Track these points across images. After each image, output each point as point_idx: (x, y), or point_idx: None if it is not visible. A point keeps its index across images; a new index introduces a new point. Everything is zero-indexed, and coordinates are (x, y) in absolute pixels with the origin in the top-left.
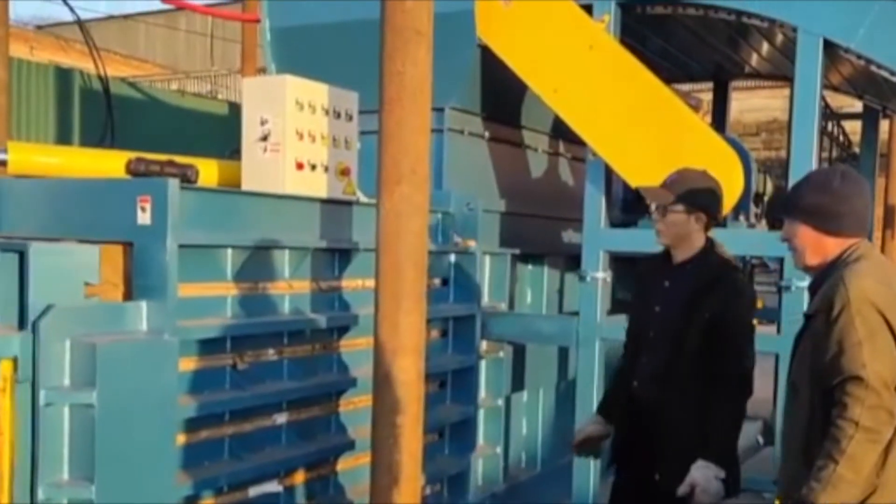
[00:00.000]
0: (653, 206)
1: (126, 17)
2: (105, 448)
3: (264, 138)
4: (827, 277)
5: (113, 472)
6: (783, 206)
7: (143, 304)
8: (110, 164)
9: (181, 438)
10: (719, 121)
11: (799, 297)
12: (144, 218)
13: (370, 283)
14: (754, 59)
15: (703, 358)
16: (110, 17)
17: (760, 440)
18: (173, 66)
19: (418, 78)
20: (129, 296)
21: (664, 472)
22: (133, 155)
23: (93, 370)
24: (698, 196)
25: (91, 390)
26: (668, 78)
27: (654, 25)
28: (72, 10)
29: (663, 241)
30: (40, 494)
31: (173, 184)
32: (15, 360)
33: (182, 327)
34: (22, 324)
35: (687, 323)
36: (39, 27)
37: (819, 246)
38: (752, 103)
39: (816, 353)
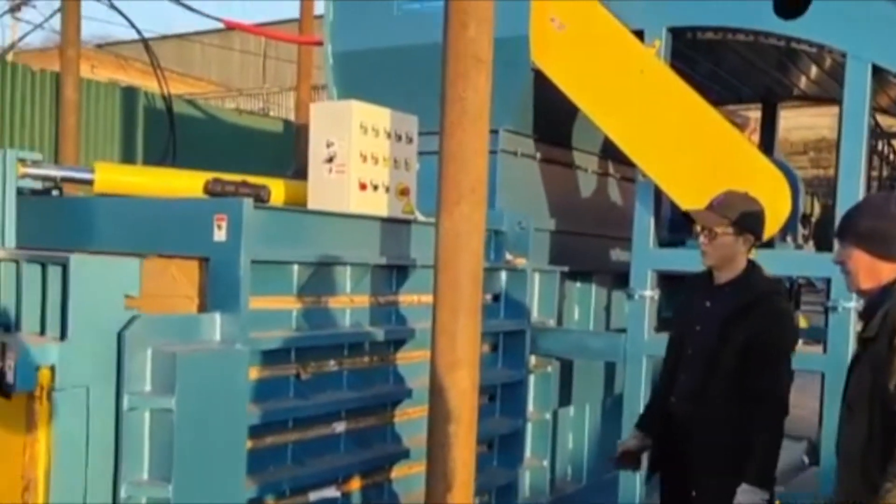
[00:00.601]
0: (698, 229)
1: (181, 36)
2: (182, 451)
3: (330, 160)
4: (882, 301)
5: (188, 474)
6: (838, 229)
7: (217, 316)
8: (189, 183)
9: (249, 443)
10: (768, 142)
11: (845, 317)
12: (220, 235)
13: (426, 298)
14: (803, 82)
15: (738, 378)
16: (166, 37)
17: (806, 460)
18: (227, 83)
19: (478, 103)
20: (203, 308)
21: (700, 489)
22: (210, 176)
23: (172, 377)
24: (747, 218)
25: (170, 396)
26: (717, 100)
27: (704, 50)
28: (138, 31)
29: (709, 263)
30: (122, 493)
31: (247, 203)
32: (53, 369)
33: (252, 338)
34: (63, 334)
35: (723, 343)
36: (100, 46)
37: (873, 270)
38: (799, 121)
39: (877, 375)
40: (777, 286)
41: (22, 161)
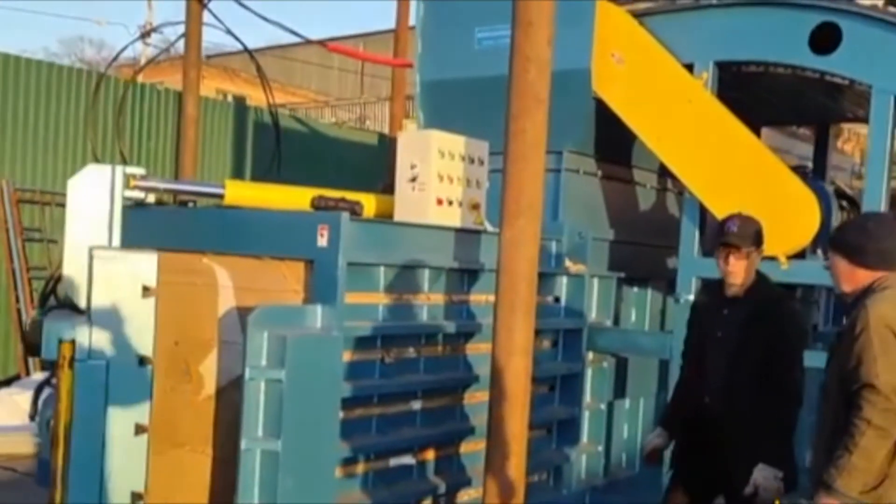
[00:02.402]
0: (726, 252)
1: (284, 47)
2: (289, 414)
3: (413, 179)
4: (858, 302)
5: (293, 433)
6: (828, 240)
7: (319, 308)
8: (299, 198)
9: (341, 414)
10: (820, 162)
11: None
12: (323, 242)
13: (492, 297)
14: (854, 106)
15: (760, 374)
16: (270, 48)
17: None
18: (326, 92)
19: (536, 135)
20: (307, 301)
21: (736, 476)
22: (315, 192)
23: (283, 355)
24: (761, 237)
25: (281, 370)
26: (774, 120)
27: (756, 78)
28: (245, 47)
29: (739, 281)
30: (242, 445)
31: (345, 216)
32: (73, 343)
33: (346, 327)
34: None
35: (745, 345)
36: (209, 57)
37: (851, 276)
38: None
39: (842, 364)
40: (786, 292)
41: (132, 176)
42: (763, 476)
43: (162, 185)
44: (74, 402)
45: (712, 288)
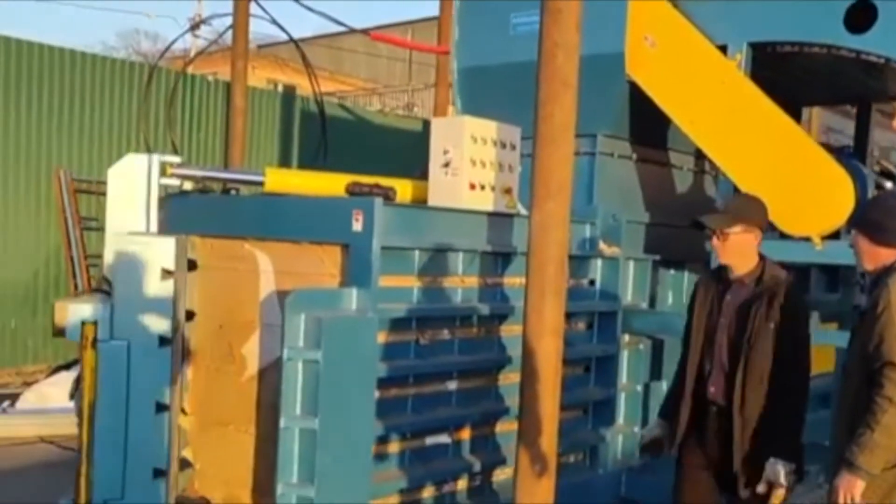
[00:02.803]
0: (710, 233)
1: (332, 35)
2: (326, 393)
3: (446, 164)
4: (880, 281)
5: (330, 411)
6: (850, 219)
7: (354, 291)
8: (335, 185)
9: (377, 393)
10: (861, 141)
11: None
12: (357, 226)
13: (524, 280)
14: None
15: (766, 360)
16: (319, 37)
17: None
18: (375, 79)
19: (564, 120)
20: (343, 283)
21: (743, 469)
22: (351, 178)
23: (319, 336)
24: (752, 216)
25: (318, 351)
26: (814, 100)
27: (791, 58)
28: (290, 37)
29: (724, 261)
30: (282, 423)
31: (378, 202)
32: (95, 324)
33: (381, 309)
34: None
35: (750, 330)
36: (259, 47)
37: (873, 254)
38: None
39: (864, 343)
40: (789, 275)
41: (169, 164)
42: (773, 470)
43: (199, 173)
44: (98, 380)
45: (716, 272)
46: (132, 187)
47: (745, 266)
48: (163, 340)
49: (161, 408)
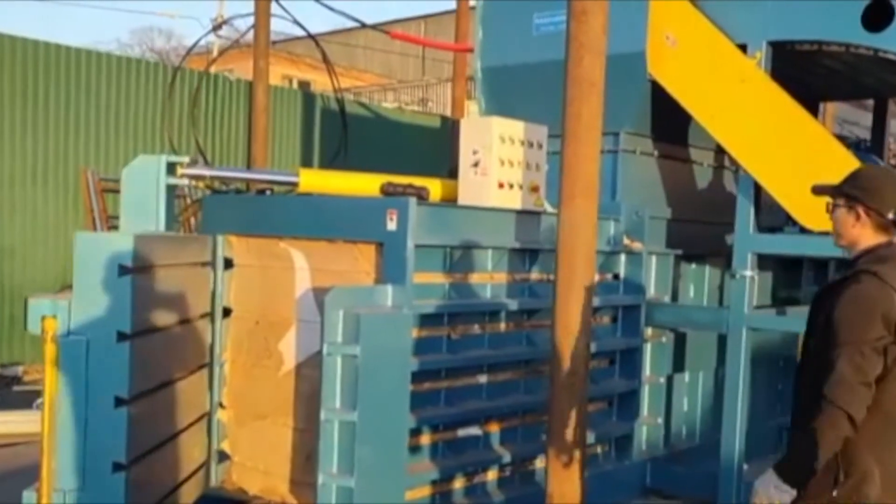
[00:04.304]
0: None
1: (346, 31)
2: (363, 386)
3: (475, 164)
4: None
5: (368, 404)
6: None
7: (389, 288)
8: (369, 185)
9: (411, 387)
10: (878, 136)
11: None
12: (392, 225)
13: (554, 275)
14: None
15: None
16: (333, 33)
17: None
18: (389, 74)
19: (591, 119)
20: (378, 281)
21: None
22: (384, 179)
23: (357, 332)
24: (855, 188)
25: (356, 346)
26: (831, 96)
27: (810, 56)
28: (311, 36)
29: (835, 243)
30: (322, 416)
31: (412, 201)
32: (55, 318)
33: (414, 305)
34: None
35: (809, 333)
36: (274, 43)
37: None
38: None
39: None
40: (874, 266)
41: (179, 164)
42: (762, 486)
43: (208, 173)
44: (58, 375)
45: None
46: (144, 187)
47: (851, 249)
48: (121, 336)
49: (120, 402)
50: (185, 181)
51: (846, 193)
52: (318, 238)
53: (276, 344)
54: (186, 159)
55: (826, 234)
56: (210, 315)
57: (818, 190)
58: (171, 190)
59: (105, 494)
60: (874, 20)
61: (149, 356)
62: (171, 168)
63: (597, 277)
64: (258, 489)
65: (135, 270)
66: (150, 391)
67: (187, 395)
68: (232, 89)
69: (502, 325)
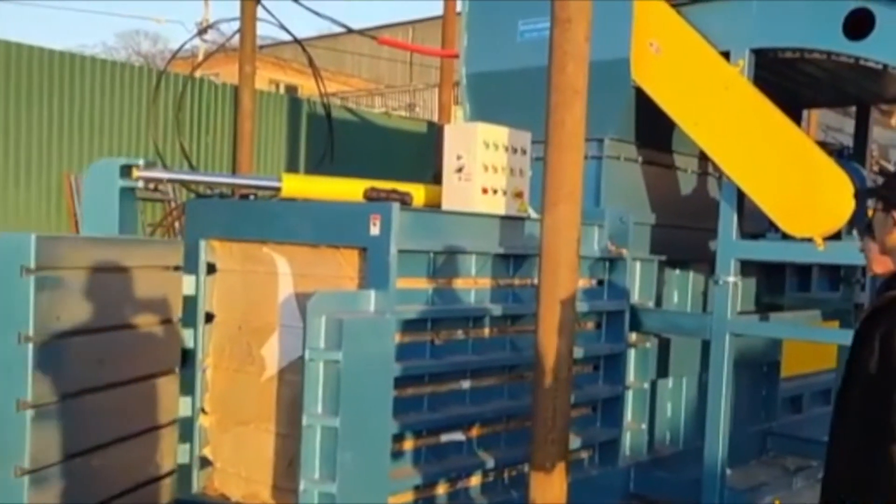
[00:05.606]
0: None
1: (333, 36)
2: (346, 392)
3: (459, 170)
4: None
5: (351, 409)
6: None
7: (372, 293)
8: (352, 190)
9: (394, 392)
10: (860, 143)
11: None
12: (375, 230)
13: (537, 281)
14: (894, 87)
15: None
16: (321, 37)
17: None
18: (377, 79)
19: (574, 126)
20: (361, 286)
21: None
22: (368, 184)
23: (339, 337)
24: (885, 191)
25: (338, 351)
26: (814, 102)
27: (792, 63)
28: (298, 41)
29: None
30: (304, 421)
31: (395, 206)
32: None
33: (398, 310)
34: None
35: (857, 354)
36: (261, 47)
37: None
38: None
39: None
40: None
41: (136, 166)
42: None
43: (164, 176)
44: None
45: None
46: (102, 190)
47: (883, 270)
48: (22, 338)
49: (22, 405)
50: (141, 184)
51: (883, 196)
52: (301, 243)
53: (259, 349)
54: (141, 162)
55: (808, 239)
56: (186, 320)
57: (860, 195)
58: (128, 192)
59: (6, 498)
60: (855, 28)
61: (70, 360)
62: (127, 171)
63: (581, 283)
64: (240, 495)
65: (38, 271)
66: (72, 395)
67: (140, 400)
68: (217, 93)
69: (486, 331)
